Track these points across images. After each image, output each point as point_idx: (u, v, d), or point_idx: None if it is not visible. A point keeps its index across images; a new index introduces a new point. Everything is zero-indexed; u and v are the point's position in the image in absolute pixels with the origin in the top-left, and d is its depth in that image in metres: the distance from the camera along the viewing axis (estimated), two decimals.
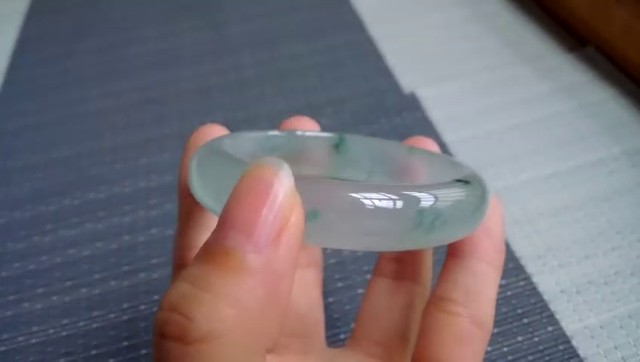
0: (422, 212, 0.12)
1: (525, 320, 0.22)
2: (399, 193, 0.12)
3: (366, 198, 0.11)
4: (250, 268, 0.10)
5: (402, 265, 0.17)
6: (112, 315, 0.23)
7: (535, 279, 0.23)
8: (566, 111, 0.31)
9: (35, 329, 0.23)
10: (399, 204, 0.12)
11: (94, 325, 0.23)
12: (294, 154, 0.18)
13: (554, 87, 0.32)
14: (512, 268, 0.23)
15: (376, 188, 0.12)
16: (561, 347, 0.21)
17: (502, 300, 0.22)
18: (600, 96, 0.31)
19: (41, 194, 0.29)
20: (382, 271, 0.17)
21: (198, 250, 0.11)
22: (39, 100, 0.35)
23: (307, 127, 0.19)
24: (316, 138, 0.18)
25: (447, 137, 0.30)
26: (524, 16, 0.38)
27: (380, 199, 0.12)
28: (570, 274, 0.23)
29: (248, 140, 0.17)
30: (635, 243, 0.24)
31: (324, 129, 0.19)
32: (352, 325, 0.22)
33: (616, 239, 0.24)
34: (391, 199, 0.12)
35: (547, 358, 0.21)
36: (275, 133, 0.18)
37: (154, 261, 0.25)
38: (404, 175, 0.17)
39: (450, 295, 0.14)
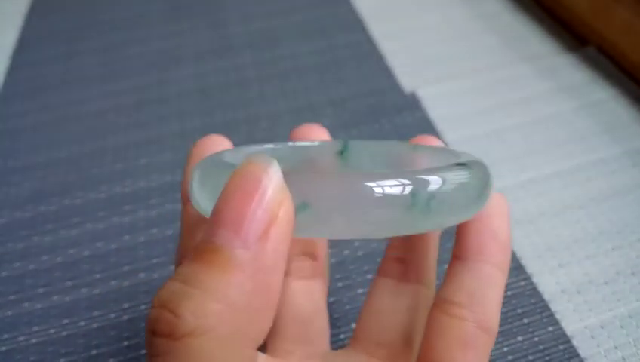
0: (415, 193, 0.12)
1: (525, 320, 0.22)
2: (390, 178, 0.12)
3: (356, 185, 0.11)
4: (237, 264, 0.10)
5: (407, 266, 0.17)
6: (113, 315, 0.23)
7: (535, 279, 0.23)
8: (566, 111, 0.31)
9: (35, 328, 0.23)
10: (390, 188, 0.12)
11: (95, 325, 0.23)
12: (300, 164, 0.18)
13: (554, 86, 0.32)
14: (513, 267, 0.23)
15: (367, 176, 0.12)
16: (561, 347, 0.21)
17: (502, 300, 0.22)
18: (600, 96, 0.31)
19: (42, 194, 0.29)
20: (386, 272, 0.17)
21: None
22: (40, 100, 0.35)
23: (318, 135, 0.18)
24: (320, 147, 0.18)
25: (448, 137, 0.30)
26: (525, 15, 0.38)
27: (370, 185, 0.12)
28: (571, 273, 0.23)
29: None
30: (635, 243, 0.24)
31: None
32: (353, 325, 0.22)
33: (616, 239, 0.24)
34: (380, 185, 0.12)
35: (547, 358, 0.21)
36: (279, 145, 0.18)
37: (154, 261, 0.25)
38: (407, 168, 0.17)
39: (455, 298, 0.14)
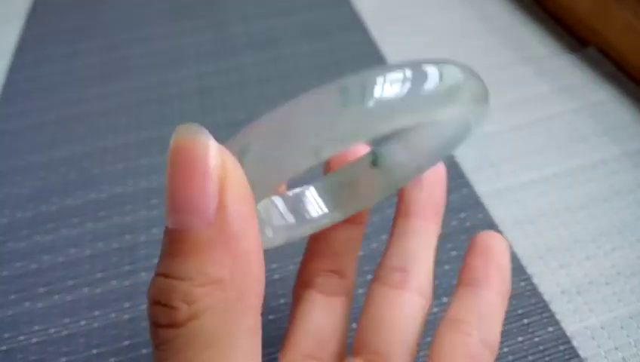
0: (345, 88, 0.11)
1: (526, 321, 0.22)
2: (319, 92, 0.11)
3: (286, 107, 0.11)
4: (206, 242, 0.10)
5: (406, 275, 0.17)
6: (114, 314, 0.23)
7: (536, 279, 0.23)
8: (567, 112, 0.31)
9: (36, 328, 0.23)
10: (318, 94, 0.11)
11: (95, 324, 0.23)
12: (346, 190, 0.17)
13: (555, 87, 0.32)
14: (513, 268, 0.23)
15: (298, 100, 0.11)
16: (561, 347, 0.21)
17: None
18: (601, 97, 0.31)
19: (43, 193, 0.29)
20: (382, 279, 0.17)
21: None
22: (41, 100, 0.35)
23: (356, 152, 0.18)
24: (354, 165, 0.18)
25: None
26: (525, 16, 0.38)
27: (298, 100, 0.11)
28: (571, 274, 0.23)
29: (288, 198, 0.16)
30: (635, 244, 0.24)
31: None
32: (354, 325, 0.22)
33: (617, 239, 0.24)
34: (309, 96, 0.11)
35: (547, 359, 0.21)
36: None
37: (155, 261, 0.25)
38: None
39: (464, 317, 0.15)
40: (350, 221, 0.18)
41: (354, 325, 0.18)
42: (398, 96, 0.11)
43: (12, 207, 0.28)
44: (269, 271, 0.24)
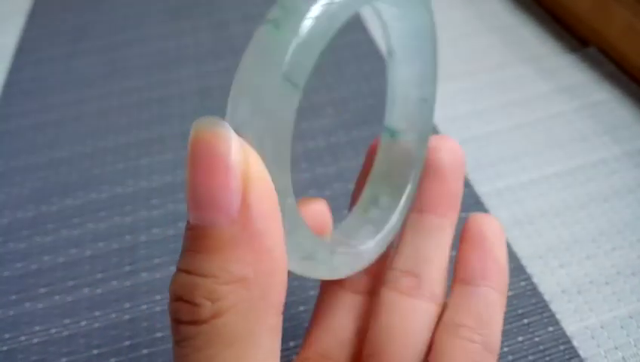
0: (268, 21, 0.11)
1: (526, 321, 0.22)
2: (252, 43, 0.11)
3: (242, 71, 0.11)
4: (230, 240, 0.10)
5: (419, 281, 0.16)
6: (114, 315, 0.23)
7: (536, 279, 0.23)
8: (567, 112, 0.31)
9: (37, 328, 0.23)
10: (253, 43, 0.11)
11: (96, 325, 0.23)
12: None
13: (555, 87, 0.32)
14: (513, 268, 0.23)
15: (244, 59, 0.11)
16: (561, 347, 0.21)
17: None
18: (601, 97, 0.31)
19: (43, 194, 0.29)
20: (393, 284, 0.16)
21: None
22: (41, 100, 0.35)
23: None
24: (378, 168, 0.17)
25: None
26: (525, 16, 0.38)
27: (248, 57, 0.11)
28: (571, 274, 0.23)
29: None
30: (636, 244, 0.24)
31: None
32: None
33: (617, 239, 0.24)
34: (251, 51, 0.11)
35: (548, 358, 0.21)
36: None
37: (156, 261, 0.25)
38: None
39: (464, 321, 0.15)
40: None
41: None
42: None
43: (12, 207, 0.28)
44: None
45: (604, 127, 0.29)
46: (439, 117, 0.31)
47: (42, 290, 0.24)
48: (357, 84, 0.34)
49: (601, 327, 0.21)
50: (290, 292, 0.23)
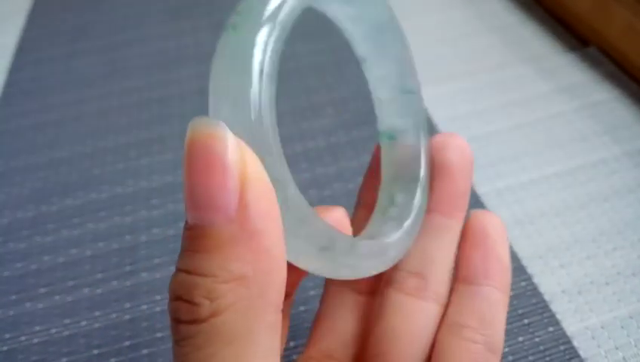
0: (226, 27, 0.12)
1: (526, 321, 0.22)
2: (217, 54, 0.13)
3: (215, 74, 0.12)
4: (228, 239, 0.10)
5: (424, 282, 0.16)
6: (114, 315, 0.23)
7: (536, 279, 0.23)
8: (567, 112, 0.31)
9: (37, 328, 0.23)
10: (218, 51, 0.13)
11: (96, 325, 0.23)
12: None
13: (555, 87, 0.32)
14: (513, 268, 0.23)
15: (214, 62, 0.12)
16: (562, 347, 0.21)
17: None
18: (602, 97, 0.31)
19: (43, 194, 0.29)
20: (397, 285, 0.16)
21: None
22: (41, 100, 0.35)
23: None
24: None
25: None
26: (525, 15, 0.38)
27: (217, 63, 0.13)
28: (572, 274, 0.23)
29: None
30: (636, 244, 0.24)
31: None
32: None
33: (617, 239, 0.24)
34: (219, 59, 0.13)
35: (548, 358, 0.21)
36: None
37: (156, 261, 0.25)
38: None
39: (467, 322, 0.15)
40: None
41: None
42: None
43: (12, 207, 0.28)
44: None
45: (604, 127, 0.29)
46: (439, 117, 0.31)
47: (42, 290, 0.24)
48: (357, 84, 0.34)
49: (602, 327, 0.21)
50: None
